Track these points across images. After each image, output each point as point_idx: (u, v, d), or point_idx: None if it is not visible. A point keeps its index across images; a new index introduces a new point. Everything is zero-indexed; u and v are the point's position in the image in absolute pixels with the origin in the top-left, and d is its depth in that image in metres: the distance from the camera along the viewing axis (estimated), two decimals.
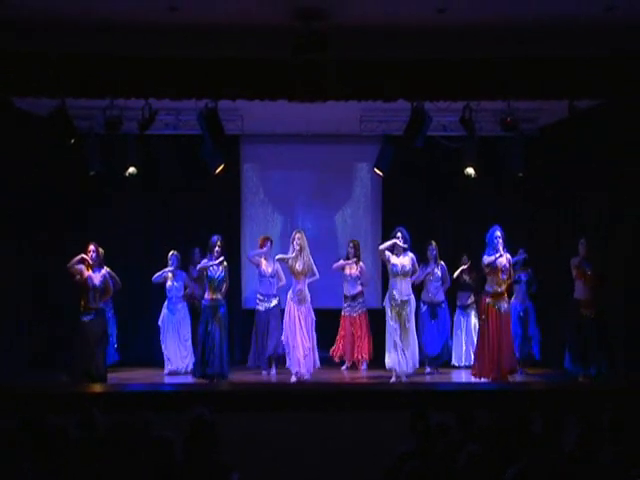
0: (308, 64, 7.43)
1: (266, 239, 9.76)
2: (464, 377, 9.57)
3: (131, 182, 10.16)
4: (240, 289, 10.80)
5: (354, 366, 9.90)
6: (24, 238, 9.48)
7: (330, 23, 7.29)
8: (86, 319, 8.79)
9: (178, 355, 9.71)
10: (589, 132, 8.69)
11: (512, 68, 7.80)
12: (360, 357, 9.83)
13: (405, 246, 8.80)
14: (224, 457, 4.35)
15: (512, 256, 9.08)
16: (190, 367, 9.56)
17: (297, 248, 8.86)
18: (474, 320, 9.98)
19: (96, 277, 8.85)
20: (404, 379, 8.76)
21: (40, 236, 9.75)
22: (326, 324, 9.72)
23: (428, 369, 9.60)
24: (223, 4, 7.05)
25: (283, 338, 8.93)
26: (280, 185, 11.04)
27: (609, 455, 4.36)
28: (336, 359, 9.88)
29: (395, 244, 8.82)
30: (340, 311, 9.99)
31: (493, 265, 8.79)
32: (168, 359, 9.68)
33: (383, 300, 9.12)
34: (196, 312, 9.60)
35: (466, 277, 9.98)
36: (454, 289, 10.03)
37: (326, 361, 9.64)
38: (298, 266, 8.85)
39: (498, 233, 8.87)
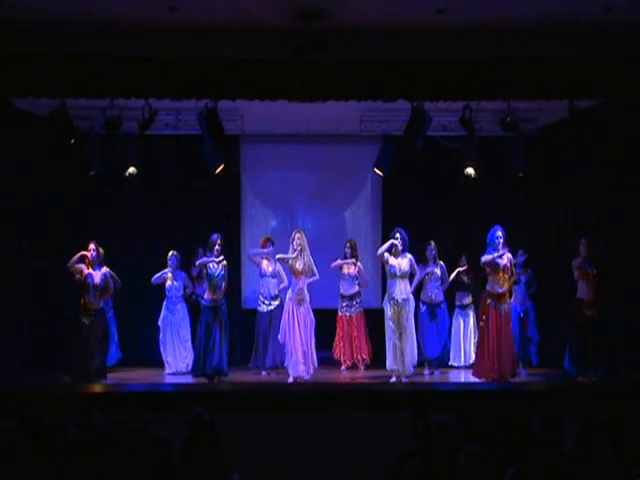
0: (308, 64, 7.42)
1: (267, 240, 9.77)
2: (463, 377, 9.57)
3: (131, 182, 10.15)
4: (240, 289, 10.80)
5: (354, 366, 9.89)
6: (24, 238, 9.49)
7: (330, 23, 7.29)
8: (86, 321, 8.80)
9: (177, 356, 9.70)
10: (589, 132, 8.69)
11: (512, 68, 7.80)
12: (360, 358, 9.83)
13: (398, 245, 8.78)
14: (224, 457, 4.35)
15: (512, 257, 9.08)
16: (190, 367, 9.56)
17: (297, 248, 8.86)
18: (473, 320, 9.98)
19: (96, 275, 8.87)
20: (404, 379, 8.76)
21: (40, 236, 9.76)
22: (326, 324, 9.73)
23: (427, 370, 9.59)
24: (223, 4, 7.06)
25: (280, 337, 8.91)
26: (280, 185, 11.04)
27: (609, 455, 4.37)
28: (340, 360, 9.87)
29: (393, 245, 8.81)
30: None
31: (492, 264, 8.79)
32: (167, 362, 9.68)
33: (383, 300, 9.11)
34: (196, 311, 9.58)
35: (464, 277, 9.98)
36: (453, 289, 10.03)
37: (326, 361, 9.65)
38: (298, 266, 8.84)
39: (499, 233, 8.87)
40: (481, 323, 9.03)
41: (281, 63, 7.60)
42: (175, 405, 7.43)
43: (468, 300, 10.08)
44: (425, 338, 9.55)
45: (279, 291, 9.61)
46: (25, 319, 9.57)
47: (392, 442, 4.67)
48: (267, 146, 10.86)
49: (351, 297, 9.91)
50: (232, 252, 10.11)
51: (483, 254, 8.89)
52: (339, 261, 9.90)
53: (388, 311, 8.81)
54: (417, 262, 9.20)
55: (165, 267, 9.70)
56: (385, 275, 9.19)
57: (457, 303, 10.13)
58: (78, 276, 8.80)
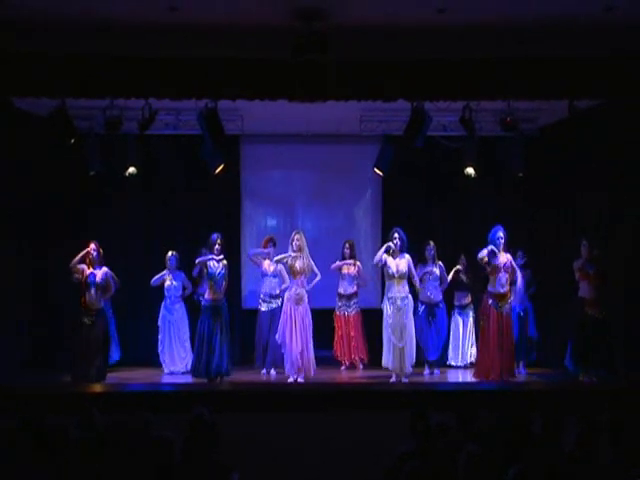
0: (308, 64, 7.42)
1: (269, 240, 9.78)
2: (463, 377, 9.57)
3: (131, 182, 10.15)
4: (240, 289, 10.79)
5: (353, 366, 9.90)
6: (24, 238, 9.49)
7: (330, 23, 7.29)
8: (87, 320, 8.80)
9: (176, 356, 9.71)
10: (589, 132, 8.69)
11: (512, 68, 7.80)
12: (357, 357, 9.84)
13: (392, 245, 8.77)
14: (224, 457, 4.35)
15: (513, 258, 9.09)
16: (189, 367, 9.56)
17: (296, 249, 8.85)
18: (472, 320, 9.98)
19: (97, 274, 8.88)
20: (404, 379, 8.75)
21: (40, 236, 9.76)
22: (326, 324, 9.74)
23: (427, 370, 9.59)
24: (223, 4, 7.05)
25: (278, 337, 8.91)
26: (280, 185, 11.04)
27: (609, 455, 4.37)
28: (340, 360, 9.87)
29: (390, 248, 8.78)
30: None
31: (492, 264, 8.79)
32: (165, 362, 9.68)
33: (382, 301, 9.10)
34: (196, 311, 9.57)
35: (463, 277, 9.98)
36: (452, 289, 10.02)
37: (326, 361, 9.64)
38: (297, 266, 8.84)
39: (501, 234, 8.87)
40: (482, 323, 9.03)
41: (281, 63, 7.60)
42: (175, 405, 7.44)
43: (467, 300, 10.08)
44: (424, 338, 9.54)
45: (280, 291, 9.61)
46: (25, 319, 9.57)
47: (392, 442, 4.67)
48: (267, 146, 10.86)
49: (349, 297, 9.93)
50: (232, 252, 10.10)
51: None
52: (338, 263, 9.90)
53: (387, 311, 8.79)
54: (415, 262, 9.18)
55: (165, 267, 9.71)
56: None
57: (456, 303, 10.13)
58: (77, 275, 8.80)
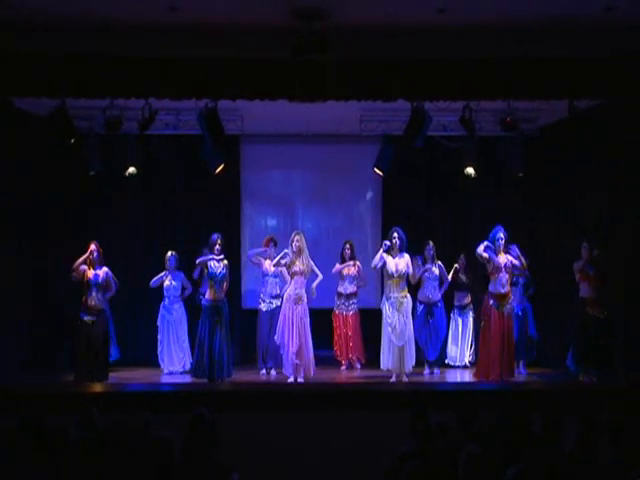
0: (308, 64, 7.42)
1: (270, 240, 9.77)
2: (462, 377, 9.57)
3: (131, 182, 10.15)
4: (240, 289, 10.79)
5: (351, 366, 9.90)
6: (24, 238, 9.49)
7: (330, 23, 7.29)
8: (87, 319, 8.80)
9: (174, 356, 9.71)
10: (589, 132, 8.69)
11: (512, 68, 7.80)
12: (355, 357, 9.85)
13: (390, 244, 8.77)
14: (224, 457, 4.35)
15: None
16: (188, 367, 9.57)
17: (296, 250, 8.84)
18: (471, 320, 9.98)
19: (99, 274, 8.89)
20: (404, 379, 8.75)
21: (40, 236, 9.76)
22: (324, 324, 9.74)
23: (427, 370, 9.59)
24: (223, 4, 7.06)
25: (276, 337, 8.90)
26: (280, 185, 11.05)
27: (609, 455, 4.37)
28: (340, 359, 9.88)
29: (388, 247, 8.77)
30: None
31: (492, 264, 8.80)
32: (164, 362, 9.69)
33: (381, 301, 9.09)
34: (196, 311, 9.56)
35: (463, 277, 9.98)
36: (451, 289, 10.02)
37: (326, 361, 9.65)
38: (296, 266, 8.83)
39: (501, 235, 8.88)
40: (483, 323, 9.02)
41: (281, 63, 7.60)
42: (175, 405, 7.44)
43: (467, 300, 10.08)
44: (423, 338, 9.54)
45: (281, 291, 9.60)
46: (25, 319, 9.57)
47: (392, 442, 4.67)
48: (267, 146, 10.86)
49: (348, 296, 9.93)
50: (232, 252, 10.10)
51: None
52: (338, 266, 9.88)
53: (386, 311, 8.79)
54: (422, 263, 9.17)
55: (164, 267, 9.71)
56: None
57: (456, 303, 10.12)
58: (75, 274, 8.80)
